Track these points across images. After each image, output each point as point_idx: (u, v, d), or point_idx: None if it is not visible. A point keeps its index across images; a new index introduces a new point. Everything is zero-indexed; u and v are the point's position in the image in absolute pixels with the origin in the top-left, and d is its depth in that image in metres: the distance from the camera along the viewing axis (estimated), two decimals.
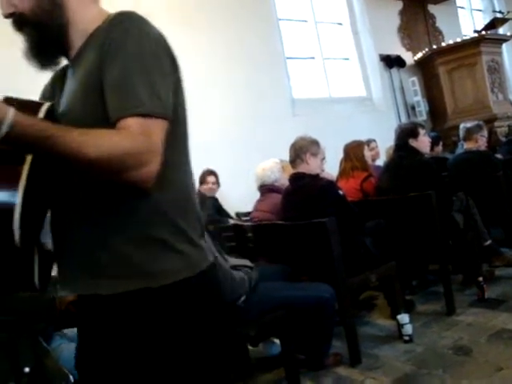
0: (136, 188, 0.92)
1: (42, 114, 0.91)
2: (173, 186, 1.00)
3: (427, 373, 2.46)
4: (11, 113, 0.79)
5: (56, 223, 1.02)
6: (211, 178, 4.82)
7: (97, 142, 0.85)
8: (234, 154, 5.45)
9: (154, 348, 0.96)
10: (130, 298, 0.95)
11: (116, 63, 0.92)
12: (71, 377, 1.66)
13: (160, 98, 0.92)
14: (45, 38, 1.03)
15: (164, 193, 0.98)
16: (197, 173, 4.58)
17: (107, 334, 1.01)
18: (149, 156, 0.88)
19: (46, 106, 0.94)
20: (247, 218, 4.17)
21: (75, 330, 2.12)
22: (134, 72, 0.91)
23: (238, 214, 4.93)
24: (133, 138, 0.88)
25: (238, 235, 3.37)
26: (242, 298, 2.27)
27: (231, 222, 4.41)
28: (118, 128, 0.89)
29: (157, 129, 0.90)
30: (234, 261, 2.43)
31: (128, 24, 0.96)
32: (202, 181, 4.80)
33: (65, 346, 1.89)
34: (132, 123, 0.89)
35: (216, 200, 4.91)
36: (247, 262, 2.53)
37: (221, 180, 4.92)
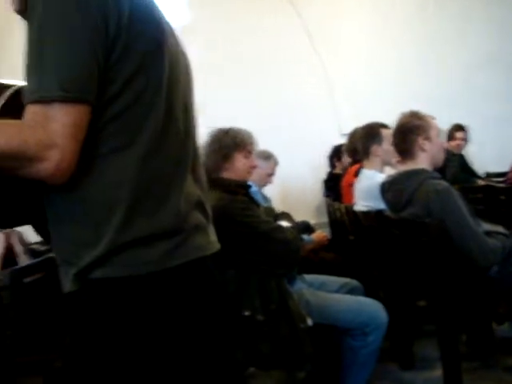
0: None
1: (2, 100, 0.87)
2: (115, 172, 0.84)
3: None
4: None
5: None
6: (460, 134, 4.61)
7: None
8: (485, 105, 4.96)
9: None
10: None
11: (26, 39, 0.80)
12: (309, 320, 1.73)
13: (62, 79, 0.77)
14: None
15: (94, 180, 0.83)
16: (444, 128, 4.30)
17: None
18: (39, 151, 0.75)
19: (11, 89, 0.88)
20: (500, 179, 3.90)
21: (313, 276, 2.24)
22: (34, 49, 0.78)
23: (489, 174, 4.65)
24: (18, 132, 0.77)
25: (488, 197, 3.11)
26: (495, 268, 2.04)
27: (481, 182, 4.18)
28: None
29: (57, 116, 0.76)
30: (487, 226, 2.21)
31: None
32: (451, 136, 4.63)
33: (305, 291, 1.97)
34: (28, 113, 0.77)
35: (462, 157, 4.70)
36: (501, 229, 2.28)
37: (471, 136, 4.61)
